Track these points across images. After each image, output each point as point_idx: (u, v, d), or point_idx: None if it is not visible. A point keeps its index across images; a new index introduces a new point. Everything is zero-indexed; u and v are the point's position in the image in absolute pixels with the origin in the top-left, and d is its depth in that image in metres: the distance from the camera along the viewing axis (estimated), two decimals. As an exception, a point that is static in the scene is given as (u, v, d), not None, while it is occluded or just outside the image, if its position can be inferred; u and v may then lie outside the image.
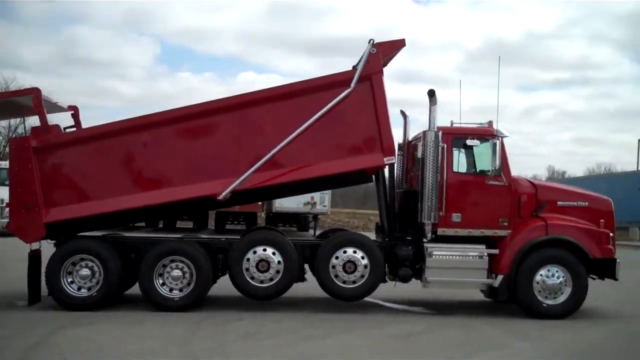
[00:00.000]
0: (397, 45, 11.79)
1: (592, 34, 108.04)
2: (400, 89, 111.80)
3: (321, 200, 28.46)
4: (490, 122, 12.35)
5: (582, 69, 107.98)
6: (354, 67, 12.93)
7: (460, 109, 13.18)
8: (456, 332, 10.38)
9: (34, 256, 11.41)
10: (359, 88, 11.42)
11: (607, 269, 11.97)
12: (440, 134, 11.63)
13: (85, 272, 11.20)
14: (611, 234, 12.14)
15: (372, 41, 11.50)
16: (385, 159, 11.54)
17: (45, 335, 9.21)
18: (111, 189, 11.29)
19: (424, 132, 11.77)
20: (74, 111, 12.96)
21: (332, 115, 11.40)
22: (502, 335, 10.25)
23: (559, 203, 12.23)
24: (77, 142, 11.42)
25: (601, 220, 12.18)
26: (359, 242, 11.66)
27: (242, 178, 11.22)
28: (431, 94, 11.71)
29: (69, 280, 11.23)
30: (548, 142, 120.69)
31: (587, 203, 12.39)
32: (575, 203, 12.32)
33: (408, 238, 12.11)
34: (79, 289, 11.22)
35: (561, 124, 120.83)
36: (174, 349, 8.70)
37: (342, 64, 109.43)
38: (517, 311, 12.01)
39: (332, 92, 11.50)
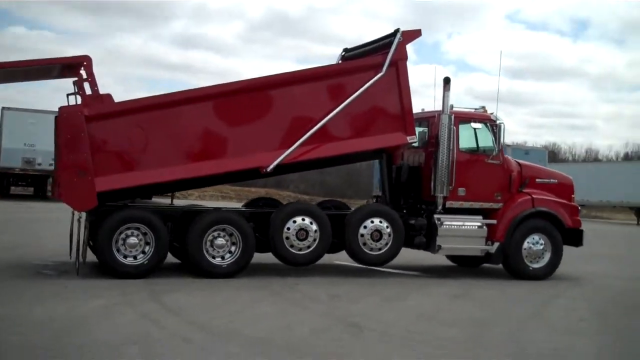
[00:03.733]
0: (416, 35, 12.91)
1: (367, 11, 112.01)
2: (180, 55, 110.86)
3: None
4: (483, 108, 13.93)
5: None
6: (346, 50, 14.10)
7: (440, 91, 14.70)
8: (492, 292, 11.92)
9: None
10: (387, 72, 12.44)
11: (575, 237, 14.01)
12: (452, 117, 12.96)
13: (134, 240, 11.25)
14: (579, 207, 14.30)
15: (399, 30, 12.56)
16: (408, 138, 12.70)
17: (157, 301, 9.45)
18: (162, 159, 11.41)
19: (438, 115, 13.05)
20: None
21: (363, 96, 12.34)
22: (534, 293, 11.91)
23: (537, 180, 14.11)
24: (129, 112, 11.35)
25: (572, 196, 14.24)
26: (384, 213, 12.71)
27: (288, 151, 11.85)
28: (446, 80, 13.00)
29: (115, 249, 11.26)
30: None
31: (556, 180, 14.39)
32: (548, 180, 14.27)
33: (404, 210, 13.39)
34: (125, 257, 11.28)
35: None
36: (297, 309, 9.45)
37: (118, 25, 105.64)
38: (485, 274, 13.72)
39: (362, 75, 12.45)
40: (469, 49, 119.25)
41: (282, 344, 7.44)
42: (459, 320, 9.25)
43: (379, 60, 12.49)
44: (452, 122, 12.94)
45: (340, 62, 14.16)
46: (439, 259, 15.15)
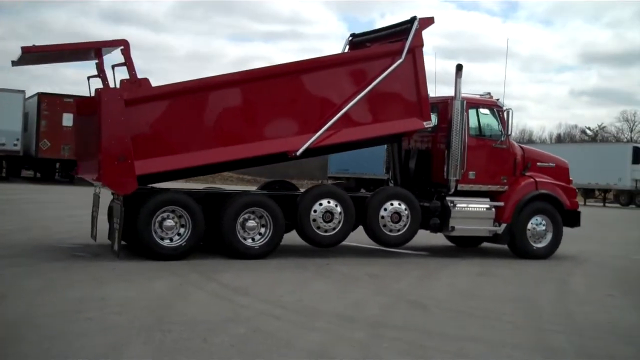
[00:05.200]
0: (430, 22, 13.42)
1: None
2: (110, 30, 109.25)
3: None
4: (489, 94, 14.59)
5: (293, 24, 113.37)
6: (353, 35, 14.55)
7: (435, 76, 15.37)
8: (509, 271, 12.60)
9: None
10: (405, 59, 12.92)
11: (573, 218, 14.83)
12: (464, 103, 13.54)
13: (170, 222, 11.50)
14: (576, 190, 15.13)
15: (416, 18, 13.07)
16: (424, 123, 13.24)
17: (215, 281, 9.85)
18: (196, 143, 11.66)
19: (451, 101, 13.59)
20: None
21: (383, 82, 12.81)
22: (547, 271, 12.65)
23: (538, 164, 14.86)
24: (167, 96, 11.58)
25: (570, 178, 15.06)
26: (403, 196, 13.21)
27: (316, 136, 12.24)
28: (459, 67, 13.56)
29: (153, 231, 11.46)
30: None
31: (554, 164, 15.18)
32: (547, 164, 15.04)
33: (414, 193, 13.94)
34: (161, 239, 11.52)
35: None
36: (349, 287, 10.05)
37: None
38: (486, 254, 14.43)
39: (381, 61, 12.93)
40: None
41: (364, 320, 7.88)
42: (502, 297, 9.89)
43: (398, 47, 12.97)
44: (464, 108, 13.52)
45: (348, 47, 14.60)
46: (437, 240, 15.76)
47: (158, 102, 11.57)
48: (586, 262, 14.45)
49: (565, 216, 14.67)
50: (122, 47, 11.35)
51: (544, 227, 14.34)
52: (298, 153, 12.25)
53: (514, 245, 14.33)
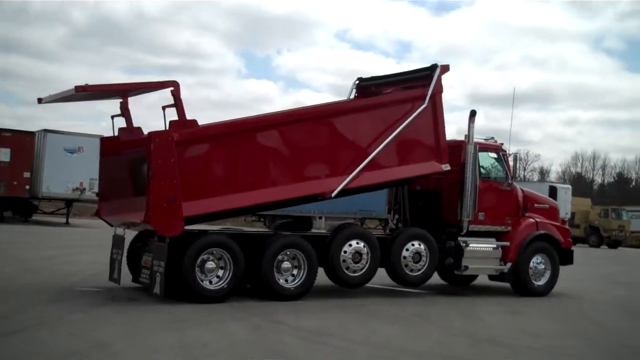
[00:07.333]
0: (446, 69, 13.93)
1: (199, 22, 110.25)
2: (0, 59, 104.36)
3: (90, 186, 29.43)
4: (493, 138, 15.26)
5: (189, 57, 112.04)
6: (360, 79, 14.93)
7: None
8: (531, 309, 13.08)
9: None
10: (427, 104, 13.38)
11: (567, 256, 15.58)
12: (477, 147, 14.11)
13: (211, 265, 11.40)
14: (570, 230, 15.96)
15: (437, 65, 13.58)
16: (442, 166, 13.69)
17: (282, 323, 9.84)
18: (242, 184, 11.66)
19: (464, 145, 14.13)
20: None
21: (407, 126, 13.21)
22: (562, 308, 13.40)
23: (536, 205, 15.57)
24: (214, 137, 11.56)
25: (563, 219, 15.85)
26: (422, 236, 13.57)
27: (349, 178, 12.47)
28: (472, 113, 14.13)
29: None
30: (154, 127, 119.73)
31: (548, 206, 15.94)
32: (542, 205, 15.79)
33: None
34: (201, 281, 11.39)
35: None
36: (415, 328, 10.32)
37: None
38: (486, 292, 15.00)
39: (403, 106, 13.33)
40: (298, 65, 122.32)
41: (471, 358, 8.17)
42: (563, 333, 10.40)
43: (420, 92, 13.41)
44: (477, 151, 14.08)
45: (355, 91, 14.91)
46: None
47: (206, 143, 11.55)
48: (583, 299, 15.16)
49: (561, 255, 15.41)
50: (172, 88, 11.26)
51: (543, 266, 15.00)
52: (333, 195, 12.42)
53: (517, 283, 14.90)
